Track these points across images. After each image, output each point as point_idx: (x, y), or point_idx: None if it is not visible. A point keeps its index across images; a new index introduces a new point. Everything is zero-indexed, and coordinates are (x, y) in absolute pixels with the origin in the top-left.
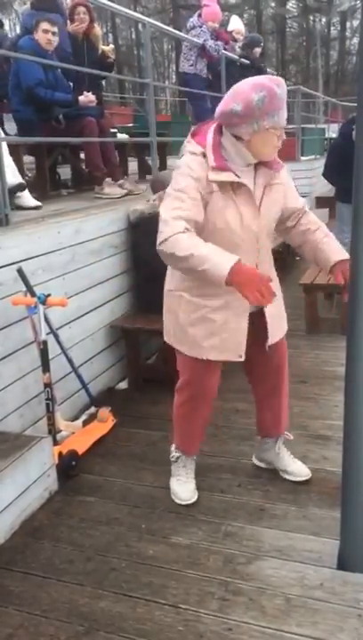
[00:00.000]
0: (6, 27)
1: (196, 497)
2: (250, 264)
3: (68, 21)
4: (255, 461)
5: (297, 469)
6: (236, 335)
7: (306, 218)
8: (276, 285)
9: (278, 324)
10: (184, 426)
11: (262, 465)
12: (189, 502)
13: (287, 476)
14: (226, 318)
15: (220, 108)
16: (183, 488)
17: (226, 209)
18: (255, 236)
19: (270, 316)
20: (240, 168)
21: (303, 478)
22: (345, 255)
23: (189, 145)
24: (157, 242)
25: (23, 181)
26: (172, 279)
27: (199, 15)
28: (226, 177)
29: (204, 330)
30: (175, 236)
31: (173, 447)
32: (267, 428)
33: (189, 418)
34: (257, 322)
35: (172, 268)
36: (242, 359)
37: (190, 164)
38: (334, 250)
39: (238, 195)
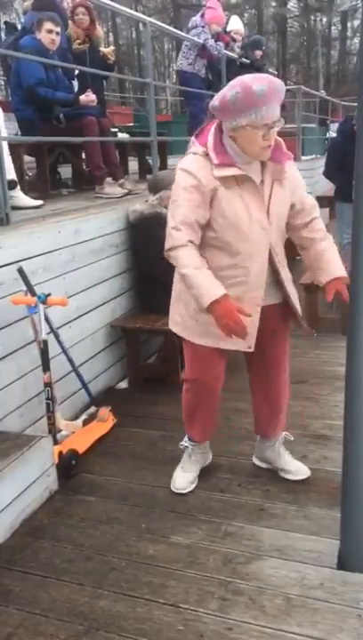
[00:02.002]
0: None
1: (191, 488)
2: (262, 259)
3: (70, 22)
4: (255, 461)
5: (296, 468)
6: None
7: (318, 224)
8: (288, 277)
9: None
10: (191, 413)
11: (262, 465)
12: (183, 491)
13: (287, 475)
14: (238, 309)
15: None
16: (182, 476)
17: (233, 202)
18: (265, 231)
19: (288, 288)
20: (244, 164)
21: (303, 477)
22: (343, 273)
23: (193, 146)
24: (165, 248)
25: (14, 178)
26: None
27: (202, 15)
28: (229, 172)
29: None
30: (177, 249)
31: (186, 436)
32: (264, 429)
33: (194, 406)
34: (267, 312)
35: None
36: (251, 350)
37: (191, 166)
38: (335, 266)
39: (244, 188)
